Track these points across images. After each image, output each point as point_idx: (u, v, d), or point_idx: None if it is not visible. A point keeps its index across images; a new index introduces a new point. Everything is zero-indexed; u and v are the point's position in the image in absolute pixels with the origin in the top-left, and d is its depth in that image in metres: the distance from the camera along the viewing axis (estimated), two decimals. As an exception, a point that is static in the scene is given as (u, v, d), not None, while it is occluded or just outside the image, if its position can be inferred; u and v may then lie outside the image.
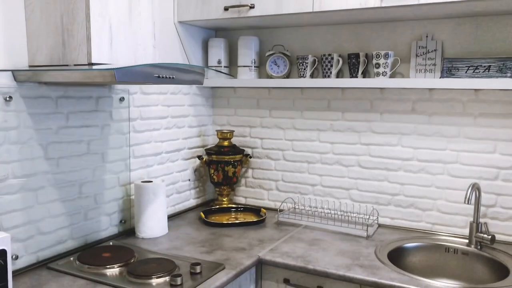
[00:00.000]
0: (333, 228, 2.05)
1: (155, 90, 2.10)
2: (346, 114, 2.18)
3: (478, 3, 1.63)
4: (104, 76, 1.29)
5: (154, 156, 2.11)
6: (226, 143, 2.36)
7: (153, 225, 1.93)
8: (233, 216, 2.28)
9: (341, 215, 2.21)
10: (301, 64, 2.16)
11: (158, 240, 1.90)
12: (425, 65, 1.96)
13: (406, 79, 1.89)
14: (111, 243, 1.83)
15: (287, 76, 2.26)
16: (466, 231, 1.97)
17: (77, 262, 1.61)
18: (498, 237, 1.91)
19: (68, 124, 1.67)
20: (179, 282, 1.45)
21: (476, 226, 1.84)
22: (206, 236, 1.96)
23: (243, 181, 2.50)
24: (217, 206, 2.35)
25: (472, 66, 1.85)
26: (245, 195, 2.51)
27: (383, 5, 1.71)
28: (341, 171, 2.22)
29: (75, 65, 1.42)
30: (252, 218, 2.22)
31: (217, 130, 2.38)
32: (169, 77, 1.45)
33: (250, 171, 2.47)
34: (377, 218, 2.15)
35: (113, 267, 1.58)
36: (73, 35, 1.41)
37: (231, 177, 2.36)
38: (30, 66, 1.51)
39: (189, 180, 2.37)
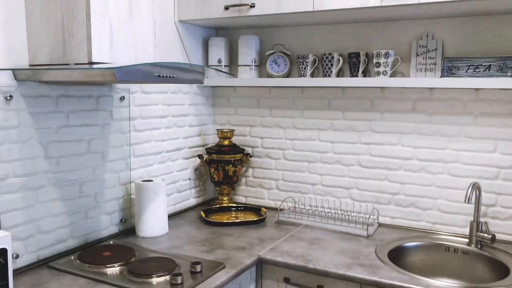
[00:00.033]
0: (333, 227, 2.05)
1: (156, 89, 2.10)
2: (347, 113, 2.18)
3: (479, 2, 1.63)
4: (105, 75, 1.29)
5: (155, 155, 2.11)
6: (226, 142, 2.36)
7: (153, 224, 1.93)
8: (233, 215, 2.28)
9: (342, 214, 2.21)
10: (301, 63, 2.16)
11: (158, 239, 1.90)
12: (426, 64, 1.96)
13: (406, 79, 1.89)
14: (111, 242, 1.84)
15: (288, 75, 2.26)
16: (467, 231, 1.97)
17: (78, 261, 1.61)
18: (498, 236, 1.91)
19: (68, 123, 1.67)
20: (179, 281, 1.45)
21: (476, 225, 1.84)
22: (207, 235, 1.96)
23: (243, 180, 2.50)
24: (218, 205, 2.35)
25: (472, 65, 1.85)
26: (245, 194, 2.51)
27: (384, 4, 1.71)
28: (341, 170, 2.22)
29: (75, 64, 1.42)
30: (252, 217, 2.22)
31: (217, 129, 2.38)
32: (170, 76, 1.45)
33: (250, 170, 2.47)
34: (378, 217, 2.15)
35: (114, 266, 1.58)
36: (73, 34, 1.41)
37: (231, 176, 2.36)
38: (30, 65, 1.51)
39: (190, 179, 2.37)
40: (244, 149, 2.40)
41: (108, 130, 1.85)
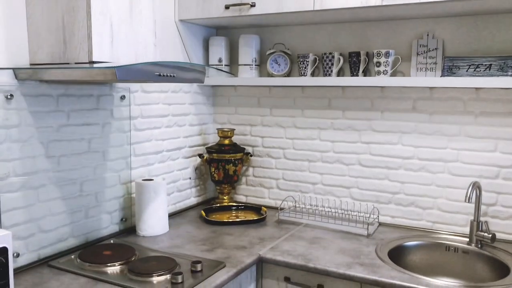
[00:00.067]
0: (333, 227, 2.05)
1: (156, 89, 2.10)
2: (347, 113, 2.18)
3: (479, 1, 1.63)
4: (105, 74, 1.30)
5: (155, 154, 2.12)
6: (226, 141, 2.36)
7: (154, 223, 1.93)
8: (233, 214, 2.29)
9: (342, 213, 2.22)
10: (302, 63, 2.16)
11: (159, 238, 1.91)
12: (426, 63, 1.96)
13: (406, 78, 1.89)
14: (112, 241, 1.84)
15: (288, 74, 2.26)
16: (467, 230, 1.97)
17: (78, 260, 1.61)
18: (498, 235, 1.91)
19: (69, 122, 1.67)
20: (179, 280, 1.45)
21: (476, 224, 1.84)
22: (207, 234, 1.97)
23: (243, 179, 2.50)
24: (218, 205, 2.35)
25: (473, 64, 1.85)
26: (245, 193, 2.51)
27: (384, 3, 1.71)
28: (341, 170, 2.22)
29: (76, 63, 1.42)
30: (252, 217, 2.22)
31: (217, 129, 2.38)
32: (170, 76, 1.45)
33: (250, 169, 2.47)
34: (378, 216, 2.15)
35: (114, 265, 1.58)
36: (74, 33, 1.41)
37: (231, 176, 2.36)
38: (31, 64, 1.51)
39: (190, 178, 2.38)
40: (244, 148, 2.40)
41: (108, 129, 1.85)
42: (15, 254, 1.52)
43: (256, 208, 2.32)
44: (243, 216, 2.26)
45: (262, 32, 2.34)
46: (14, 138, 1.49)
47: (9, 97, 1.46)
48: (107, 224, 1.89)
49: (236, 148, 2.36)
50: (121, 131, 1.91)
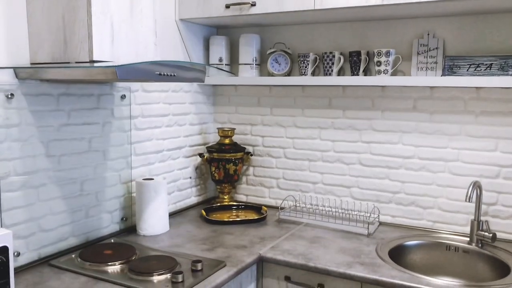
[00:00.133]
0: (334, 226, 2.05)
1: (157, 88, 2.10)
2: (347, 112, 2.18)
3: (480, 1, 1.63)
4: (106, 73, 1.30)
5: (156, 153, 2.12)
6: (227, 141, 2.36)
7: (154, 222, 1.93)
8: (234, 213, 2.29)
9: (342, 213, 2.22)
10: (302, 62, 2.16)
11: (159, 237, 1.91)
12: (427, 63, 1.96)
13: (407, 77, 1.89)
14: (112, 241, 1.84)
15: (288, 74, 2.26)
16: (467, 229, 1.97)
17: (79, 259, 1.61)
18: (499, 235, 1.91)
19: (69, 122, 1.67)
20: (180, 279, 1.45)
21: (477, 224, 1.84)
22: (207, 233, 1.97)
23: (244, 179, 2.50)
24: (218, 204, 2.35)
25: (473, 64, 1.85)
26: (246, 193, 2.51)
27: (385, 2, 1.70)
28: (342, 169, 2.22)
29: (76, 62, 1.42)
30: (253, 216, 2.22)
31: (218, 128, 2.38)
32: (171, 75, 1.45)
33: (251, 169, 2.47)
34: (378, 216, 2.15)
35: (115, 264, 1.58)
36: (74, 32, 1.41)
37: (232, 175, 2.36)
38: (31, 63, 1.51)
39: (190, 177, 2.38)
40: (245, 148, 2.40)
41: (109, 128, 1.85)
42: (15, 253, 1.52)
43: (256, 208, 2.32)
44: (243, 215, 2.26)
45: (262, 31, 2.34)
46: (15, 137, 1.49)
47: (9, 96, 1.46)
48: (108, 223, 1.89)
49: (236, 147, 2.36)
50: (121, 131, 1.91)
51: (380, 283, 1.53)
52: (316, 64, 2.17)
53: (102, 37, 1.42)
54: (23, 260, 1.55)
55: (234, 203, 2.36)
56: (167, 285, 1.43)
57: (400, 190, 2.10)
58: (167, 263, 1.58)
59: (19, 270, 1.52)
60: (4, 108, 1.45)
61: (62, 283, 1.45)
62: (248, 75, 2.28)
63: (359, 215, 2.19)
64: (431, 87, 1.99)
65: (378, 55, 1.96)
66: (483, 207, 1.94)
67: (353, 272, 1.57)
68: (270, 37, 2.33)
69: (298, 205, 2.34)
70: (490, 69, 1.81)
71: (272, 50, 2.24)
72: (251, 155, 2.44)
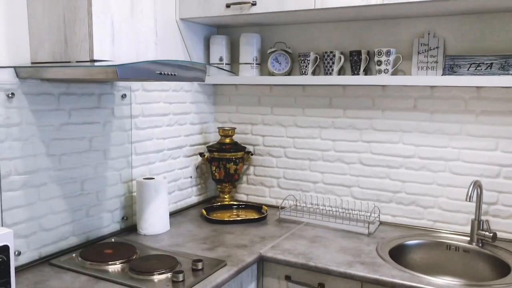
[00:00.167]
0: (334, 226, 2.05)
1: (157, 87, 2.10)
2: (348, 112, 2.18)
3: (480, 0, 1.63)
4: (106, 73, 1.30)
5: (156, 153, 2.12)
6: (227, 140, 2.36)
7: (155, 222, 1.93)
8: (234, 213, 2.29)
9: (343, 212, 2.22)
10: (302, 62, 2.16)
11: (160, 236, 1.91)
12: (427, 62, 1.96)
13: (407, 77, 1.89)
14: (113, 240, 1.84)
15: (289, 73, 2.26)
16: (468, 229, 1.97)
17: (79, 259, 1.62)
18: (499, 234, 1.91)
19: (70, 121, 1.68)
20: (180, 279, 1.45)
21: (477, 223, 1.84)
22: (208, 233, 1.97)
23: (244, 178, 2.50)
24: (219, 203, 2.35)
25: (474, 63, 1.85)
26: (246, 192, 2.51)
27: (385, 2, 1.70)
28: (342, 169, 2.22)
29: (77, 61, 1.42)
30: (253, 215, 2.22)
31: (218, 127, 2.38)
32: (171, 74, 1.45)
33: (251, 168, 2.47)
34: (379, 215, 2.15)
35: (115, 264, 1.58)
36: (75, 32, 1.41)
37: (232, 174, 2.36)
38: (32, 62, 1.51)
39: (191, 177, 2.38)
40: (245, 147, 2.40)
41: (109, 128, 1.85)
42: (16, 253, 1.52)
43: (257, 207, 2.32)
44: (244, 215, 2.26)
45: (263, 30, 2.34)
46: (15, 137, 1.49)
47: (10, 95, 1.46)
48: (108, 222, 1.89)
49: (237, 147, 2.36)
50: (122, 130, 1.91)
51: (380, 282, 1.53)
52: (317, 63, 2.17)
53: (102, 37, 1.42)
54: (24, 259, 1.55)
55: (235, 203, 2.37)
56: (168, 285, 1.43)
57: (401, 190, 2.10)
58: (167, 262, 1.58)
59: (20, 269, 1.53)
60: (4, 107, 1.45)
61: (63, 282, 1.45)
62: (248, 74, 2.28)
63: (360, 215, 2.19)
64: (432, 87, 1.99)
65: (378, 55, 1.96)
66: (484, 206, 1.94)
67: (353, 271, 1.57)
68: (270, 37, 2.33)
69: (298, 204, 2.34)
70: (490, 68, 1.81)
71: (272, 50, 2.24)
72: (252, 154, 2.44)
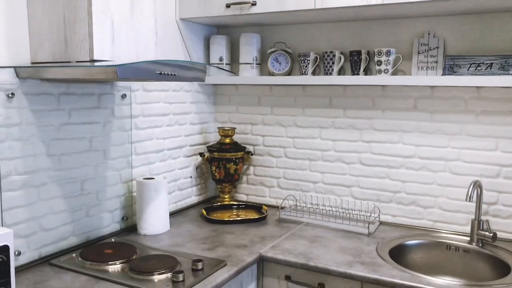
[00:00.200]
0: (334, 226, 2.05)
1: (157, 87, 2.10)
2: (348, 112, 2.18)
3: (480, 0, 1.63)
4: (106, 73, 1.30)
5: (156, 153, 2.12)
6: (227, 140, 2.36)
7: (155, 222, 1.93)
8: (234, 213, 2.29)
9: (343, 212, 2.22)
10: (302, 62, 2.16)
11: (160, 236, 1.91)
12: (427, 62, 1.96)
13: (407, 77, 1.89)
14: (113, 240, 1.84)
15: (289, 73, 2.26)
16: (468, 229, 1.97)
17: (79, 259, 1.62)
18: (499, 234, 1.91)
19: (70, 121, 1.68)
20: (180, 279, 1.45)
21: (477, 223, 1.84)
22: (208, 233, 1.97)
23: (244, 178, 2.50)
24: (219, 203, 2.35)
25: (474, 63, 1.84)
26: (246, 192, 2.51)
27: (385, 2, 1.70)
28: (342, 169, 2.22)
29: (77, 61, 1.42)
30: (253, 215, 2.22)
31: (218, 127, 2.38)
32: (171, 74, 1.45)
33: (251, 168, 2.47)
34: (379, 215, 2.15)
35: (115, 264, 1.58)
36: (75, 32, 1.41)
37: (232, 174, 2.36)
38: (32, 62, 1.51)
39: (191, 177, 2.38)
40: (245, 147, 2.40)
41: (109, 128, 1.85)
42: (16, 253, 1.52)
43: (257, 207, 2.32)
44: (244, 215, 2.26)
45: (263, 30, 2.34)
46: (15, 137, 1.49)
47: (10, 95, 1.46)
48: (108, 222, 1.89)
49: (237, 147, 2.36)
50: (122, 130, 1.91)
51: (380, 282, 1.53)
52: (317, 63, 2.17)
53: (102, 37, 1.42)
54: (23, 259, 1.55)
55: (235, 203, 2.37)
56: (168, 285, 1.43)
57: (401, 190, 2.10)
58: (167, 262, 1.58)
59: (20, 269, 1.53)
60: (4, 107, 1.45)
61: (63, 282, 1.45)
62: (248, 74, 2.28)
63: (360, 215, 2.19)
64: (432, 87, 1.99)
65: (378, 55, 1.96)
66: (484, 206, 1.94)
67: (353, 271, 1.57)
68: (270, 37, 2.33)
69: (298, 204, 2.34)
70: (490, 68, 1.81)
71: (272, 50, 2.24)
72: (252, 154, 2.44)
